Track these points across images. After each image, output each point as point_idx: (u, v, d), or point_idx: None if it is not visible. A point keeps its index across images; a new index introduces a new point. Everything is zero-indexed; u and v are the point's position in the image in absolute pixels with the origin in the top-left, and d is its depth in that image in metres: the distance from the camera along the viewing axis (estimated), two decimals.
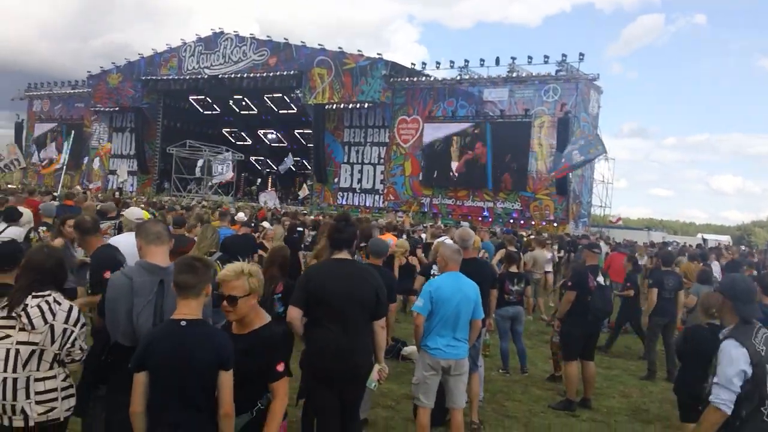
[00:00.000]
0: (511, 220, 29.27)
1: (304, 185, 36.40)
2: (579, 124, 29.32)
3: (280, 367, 3.41)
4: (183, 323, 3.22)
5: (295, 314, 4.31)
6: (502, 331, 8.68)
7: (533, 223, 28.70)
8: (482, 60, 32.03)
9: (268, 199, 33.91)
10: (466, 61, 32.70)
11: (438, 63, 33.93)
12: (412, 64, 35.03)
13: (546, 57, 30.15)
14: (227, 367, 3.20)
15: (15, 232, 7.75)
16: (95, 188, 28.89)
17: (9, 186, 27.61)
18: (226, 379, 3.21)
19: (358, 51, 34.39)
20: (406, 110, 33.66)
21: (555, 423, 6.87)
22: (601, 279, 7.48)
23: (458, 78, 32.58)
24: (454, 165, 31.89)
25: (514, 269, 8.83)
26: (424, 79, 33.79)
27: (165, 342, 3.19)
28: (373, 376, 4.62)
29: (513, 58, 31.22)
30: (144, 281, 3.60)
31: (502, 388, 8.02)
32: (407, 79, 33.60)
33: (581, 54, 29.72)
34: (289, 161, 39.81)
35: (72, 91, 45.74)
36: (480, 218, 29.24)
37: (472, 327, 5.51)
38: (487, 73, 31.88)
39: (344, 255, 4.58)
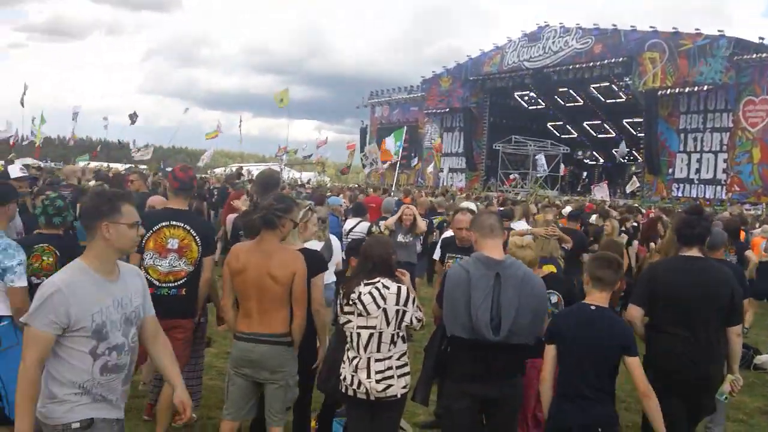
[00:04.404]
0: None
1: (634, 177, 34.41)
2: None
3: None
4: (593, 307, 3.66)
5: (635, 313, 4.01)
6: None
7: None
8: None
9: (601, 192, 32.72)
10: None
11: None
12: (760, 38, 30.94)
13: None
14: (631, 352, 3.55)
15: (365, 226, 8.61)
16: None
17: (353, 185, 30.76)
18: (634, 363, 3.57)
19: (696, 30, 31.42)
20: (753, 90, 29.84)
21: None
22: None
23: None
24: None
25: None
26: None
27: (572, 319, 3.69)
28: (724, 387, 4.13)
29: None
30: (481, 274, 3.64)
31: None
32: (754, 56, 29.72)
33: None
34: (623, 149, 38.00)
35: (407, 96, 49.17)
36: None
37: None
38: None
39: (695, 252, 4.14)
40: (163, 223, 4.64)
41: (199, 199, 14.79)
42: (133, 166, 30.60)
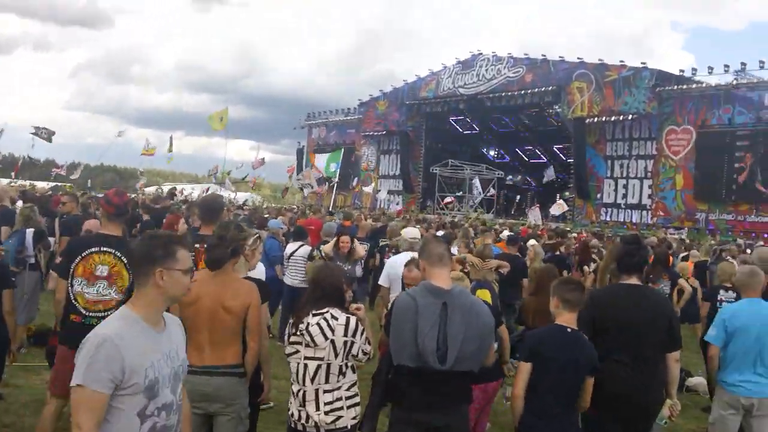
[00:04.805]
0: None
1: (560, 201, 35.27)
2: None
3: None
4: (569, 330, 3.90)
5: None
6: None
7: None
8: (761, 62, 28.49)
9: (534, 216, 33.44)
10: (743, 63, 29.44)
11: (710, 68, 30.83)
12: (681, 71, 32.48)
13: None
14: (594, 373, 3.87)
15: (307, 250, 8.53)
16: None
17: (292, 206, 30.54)
18: (591, 382, 3.88)
19: (620, 61, 32.77)
20: (674, 120, 31.22)
21: None
22: None
23: (734, 83, 29.46)
24: (741, 177, 28.72)
25: None
26: (694, 86, 31.06)
27: (553, 341, 3.88)
28: (664, 412, 4.26)
29: None
30: (428, 303, 3.63)
31: None
32: (675, 87, 31.15)
33: None
34: (550, 172, 39.04)
35: (345, 119, 49.33)
36: (766, 234, 26.07)
37: None
38: None
39: (634, 280, 4.27)
40: (93, 249, 4.49)
41: (126, 224, 14.34)
42: (58, 185, 29.58)
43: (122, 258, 4.49)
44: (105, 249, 4.50)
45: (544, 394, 3.81)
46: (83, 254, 4.47)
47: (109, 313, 4.27)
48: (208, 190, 32.28)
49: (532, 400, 3.83)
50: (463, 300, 3.70)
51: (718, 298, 7.38)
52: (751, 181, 28.31)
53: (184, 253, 2.69)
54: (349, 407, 3.80)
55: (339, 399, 3.76)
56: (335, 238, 8.62)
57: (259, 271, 6.10)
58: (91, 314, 4.45)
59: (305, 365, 3.76)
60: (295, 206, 32.31)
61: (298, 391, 3.78)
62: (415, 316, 3.59)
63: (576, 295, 3.96)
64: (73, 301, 4.49)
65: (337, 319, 3.77)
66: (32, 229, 7.73)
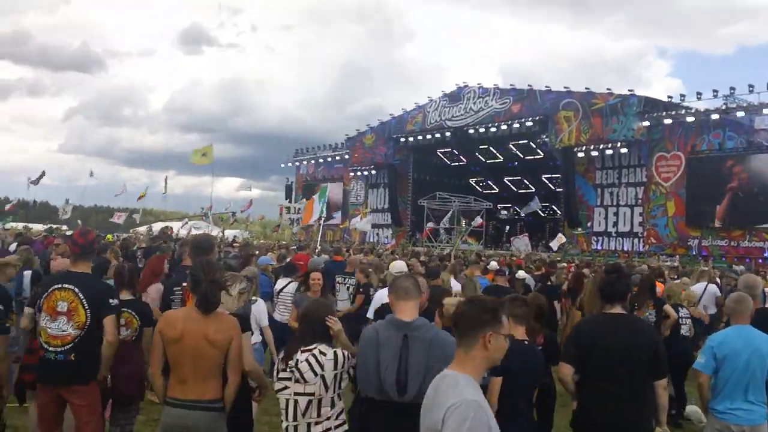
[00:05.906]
0: None
1: (560, 234, 35.13)
2: None
3: None
4: (526, 342, 4.42)
5: (566, 371, 4.14)
6: None
7: None
8: (751, 86, 28.57)
9: (521, 245, 33.33)
10: (732, 88, 29.38)
11: (699, 93, 30.76)
12: (669, 97, 32.56)
13: None
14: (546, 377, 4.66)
15: (295, 286, 8.48)
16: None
17: (282, 242, 30.50)
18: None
19: (608, 89, 32.97)
20: (664, 146, 31.33)
21: None
22: None
23: (724, 107, 29.49)
24: (718, 207, 28.73)
25: None
26: (683, 111, 31.13)
27: (517, 356, 4.02)
28: None
29: None
30: (389, 335, 3.72)
31: None
32: (664, 114, 31.29)
33: None
34: (534, 204, 39.12)
35: (332, 154, 49.51)
36: (761, 260, 26.05)
37: None
38: (759, 100, 28.47)
39: (618, 309, 4.29)
40: (55, 286, 4.66)
41: (128, 260, 14.01)
42: (53, 227, 29.65)
43: (79, 294, 4.60)
44: (66, 286, 4.64)
45: (515, 399, 4.19)
46: (48, 291, 4.64)
47: (66, 348, 4.50)
48: (186, 223, 32.48)
49: (505, 406, 4.10)
50: (424, 333, 3.75)
51: (679, 316, 7.86)
52: (740, 205, 28.37)
53: (506, 320, 2.86)
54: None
55: (329, 429, 3.81)
56: (300, 277, 8.29)
57: (261, 308, 6.22)
58: (50, 348, 4.58)
59: (295, 401, 3.79)
60: (283, 241, 32.27)
61: (287, 427, 3.80)
62: (376, 349, 3.68)
63: (523, 310, 4.49)
64: (38, 335, 4.67)
65: (325, 354, 3.83)
66: (30, 271, 7.92)
